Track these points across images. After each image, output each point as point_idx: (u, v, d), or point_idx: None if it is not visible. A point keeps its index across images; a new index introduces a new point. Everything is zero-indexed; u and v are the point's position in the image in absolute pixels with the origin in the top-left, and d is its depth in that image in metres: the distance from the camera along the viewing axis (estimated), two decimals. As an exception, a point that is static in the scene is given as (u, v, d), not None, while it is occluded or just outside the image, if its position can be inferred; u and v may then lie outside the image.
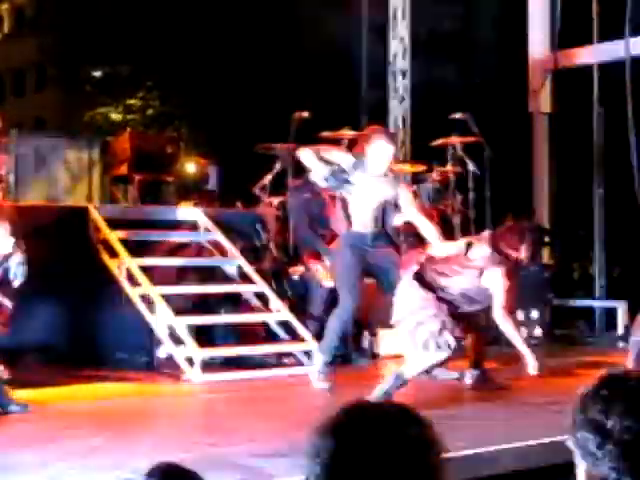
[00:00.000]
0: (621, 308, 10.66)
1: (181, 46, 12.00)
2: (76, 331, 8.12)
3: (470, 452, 4.83)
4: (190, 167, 11.48)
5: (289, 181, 9.93)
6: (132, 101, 11.86)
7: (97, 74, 12.14)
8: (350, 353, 8.58)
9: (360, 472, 1.57)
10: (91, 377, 7.52)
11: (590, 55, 11.76)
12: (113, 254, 8.49)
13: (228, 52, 12.48)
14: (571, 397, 1.84)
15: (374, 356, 8.85)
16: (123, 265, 8.37)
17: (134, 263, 8.35)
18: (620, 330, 10.46)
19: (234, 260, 9.06)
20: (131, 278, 8.29)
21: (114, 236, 8.59)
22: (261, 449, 5.10)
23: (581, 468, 1.73)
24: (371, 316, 8.61)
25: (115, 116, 11.87)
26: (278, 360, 8.28)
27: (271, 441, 5.26)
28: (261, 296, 8.75)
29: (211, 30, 12.18)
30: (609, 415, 1.70)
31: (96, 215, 8.81)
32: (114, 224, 8.76)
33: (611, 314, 10.90)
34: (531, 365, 6.41)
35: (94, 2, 11.90)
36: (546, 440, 5.03)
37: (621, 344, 9.86)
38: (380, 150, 7.13)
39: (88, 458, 4.87)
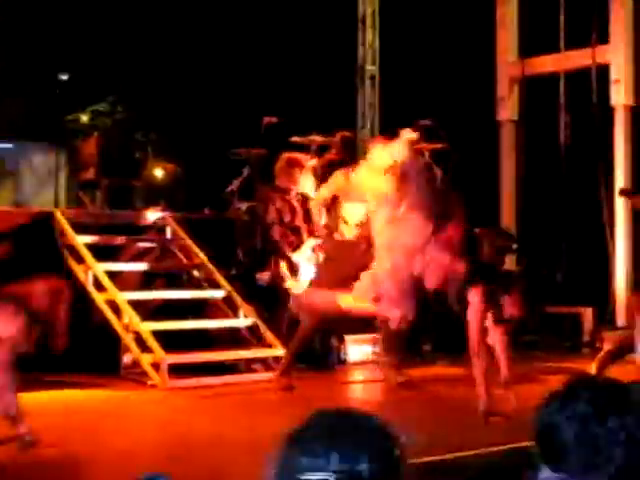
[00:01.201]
0: (586, 314, 10.73)
1: (149, 50, 11.95)
2: (41, 337, 8.03)
3: (432, 458, 4.84)
4: (158, 172, 11.44)
5: (258, 187, 9.92)
6: (100, 107, 11.77)
7: (64, 77, 12.06)
8: (317, 358, 8.57)
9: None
10: (56, 383, 7.46)
11: (557, 63, 11.83)
12: (79, 259, 8.44)
13: (197, 57, 12.45)
14: (536, 403, 1.84)
15: (341, 362, 8.85)
16: (89, 270, 8.32)
17: (100, 268, 8.31)
18: (585, 336, 10.53)
19: (202, 265, 9.04)
20: (97, 283, 8.25)
21: (80, 241, 8.54)
22: (226, 458, 5.09)
23: (544, 472, 1.73)
24: (339, 322, 8.61)
25: (83, 120, 11.78)
26: (246, 366, 8.26)
27: (236, 449, 5.24)
28: (230, 301, 8.73)
29: (179, 34, 12.15)
30: (574, 419, 1.70)
31: (62, 220, 8.75)
32: (80, 229, 8.71)
33: (577, 320, 10.96)
34: None
35: (59, 5, 11.84)
36: (510, 446, 5.06)
37: (586, 350, 9.93)
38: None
39: (50, 464, 4.83)
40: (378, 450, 1.61)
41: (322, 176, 9.58)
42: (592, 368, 7.67)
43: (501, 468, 4.91)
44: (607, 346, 7.91)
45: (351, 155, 9.53)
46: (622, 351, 7.74)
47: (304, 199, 8.92)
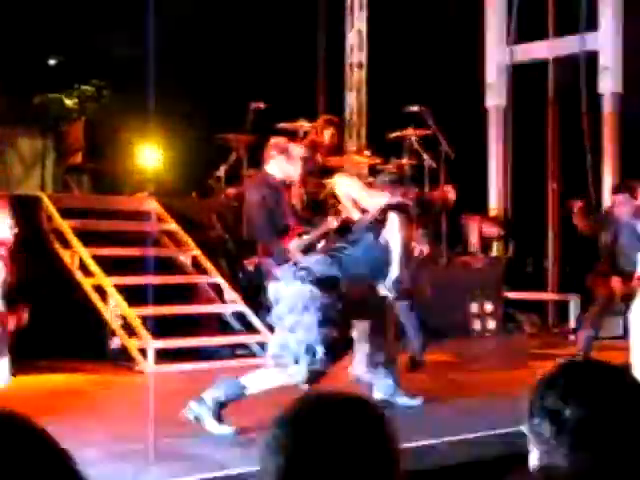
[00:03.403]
0: (573, 301, 10.75)
1: (135, 35, 11.91)
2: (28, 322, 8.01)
3: (425, 443, 4.84)
4: (145, 157, 11.38)
5: (245, 173, 9.89)
6: (86, 87, 11.73)
7: (52, 62, 12.03)
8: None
9: (318, 463, 1.56)
10: (43, 368, 7.44)
11: (545, 50, 11.83)
12: (66, 244, 8.40)
13: (183, 41, 12.40)
14: (524, 389, 1.83)
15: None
16: (76, 255, 8.29)
17: (87, 253, 8.27)
18: (572, 323, 10.56)
19: (189, 251, 9.01)
20: (84, 268, 8.22)
21: (67, 225, 8.50)
22: (211, 440, 5.08)
23: (534, 456, 1.72)
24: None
25: (69, 103, 11.73)
26: (232, 351, 8.25)
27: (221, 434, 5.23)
28: (216, 287, 8.71)
29: (166, 17, 12.08)
30: (566, 403, 1.69)
31: (49, 204, 8.71)
32: (67, 213, 8.68)
33: (563, 307, 10.99)
34: None
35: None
36: (500, 431, 5.06)
37: (573, 337, 9.95)
38: None
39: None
40: (369, 432, 1.60)
41: (304, 160, 9.56)
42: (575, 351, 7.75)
43: (486, 454, 4.92)
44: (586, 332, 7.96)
45: (336, 138, 9.60)
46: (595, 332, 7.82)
47: (289, 186, 8.89)
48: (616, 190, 8.13)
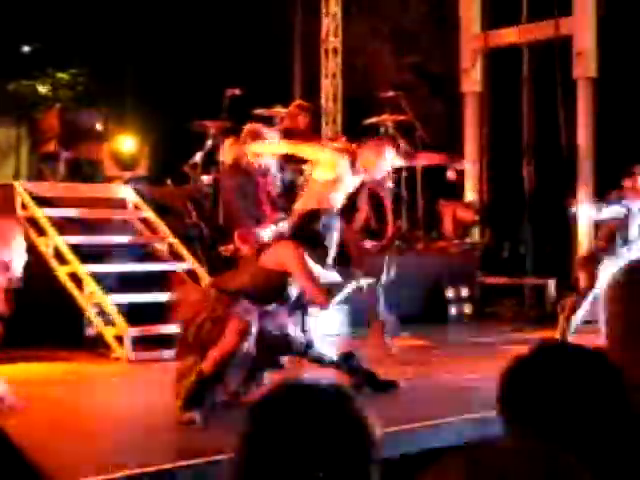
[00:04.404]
0: (550, 285, 10.80)
1: (111, 21, 11.83)
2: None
3: (396, 429, 4.85)
4: (120, 144, 11.32)
5: (220, 159, 9.85)
6: (62, 75, 11.67)
7: (26, 49, 11.94)
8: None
9: (291, 449, 1.56)
10: (18, 357, 7.40)
11: (520, 35, 11.84)
12: (41, 232, 8.36)
13: (158, 28, 12.34)
14: (500, 374, 1.84)
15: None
16: (51, 243, 8.26)
17: (62, 241, 8.24)
18: (549, 307, 10.60)
19: (165, 238, 8.99)
20: (59, 256, 8.18)
21: (41, 214, 8.46)
22: (190, 427, 5.08)
23: (509, 438, 1.73)
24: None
25: (43, 90, 11.66)
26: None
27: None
28: (192, 274, 8.69)
29: (141, 5, 12.03)
30: (542, 383, 1.70)
31: (23, 192, 8.67)
32: (42, 202, 8.63)
33: (540, 291, 11.03)
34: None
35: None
36: (472, 416, 5.08)
37: (549, 320, 9.99)
38: None
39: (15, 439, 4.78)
40: (344, 419, 1.61)
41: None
42: (556, 335, 7.80)
43: (459, 439, 4.94)
44: (563, 314, 8.04)
45: (311, 124, 9.57)
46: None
47: (265, 173, 8.87)
48: (627, 174, 8.24)
